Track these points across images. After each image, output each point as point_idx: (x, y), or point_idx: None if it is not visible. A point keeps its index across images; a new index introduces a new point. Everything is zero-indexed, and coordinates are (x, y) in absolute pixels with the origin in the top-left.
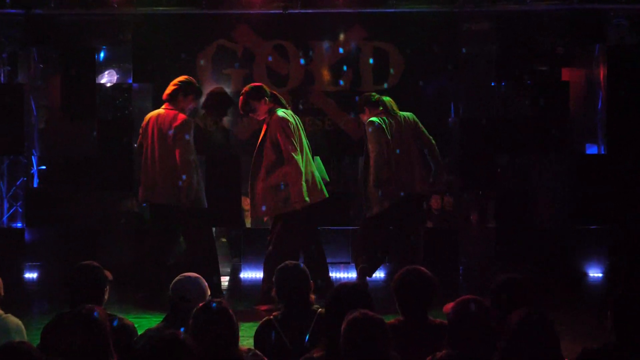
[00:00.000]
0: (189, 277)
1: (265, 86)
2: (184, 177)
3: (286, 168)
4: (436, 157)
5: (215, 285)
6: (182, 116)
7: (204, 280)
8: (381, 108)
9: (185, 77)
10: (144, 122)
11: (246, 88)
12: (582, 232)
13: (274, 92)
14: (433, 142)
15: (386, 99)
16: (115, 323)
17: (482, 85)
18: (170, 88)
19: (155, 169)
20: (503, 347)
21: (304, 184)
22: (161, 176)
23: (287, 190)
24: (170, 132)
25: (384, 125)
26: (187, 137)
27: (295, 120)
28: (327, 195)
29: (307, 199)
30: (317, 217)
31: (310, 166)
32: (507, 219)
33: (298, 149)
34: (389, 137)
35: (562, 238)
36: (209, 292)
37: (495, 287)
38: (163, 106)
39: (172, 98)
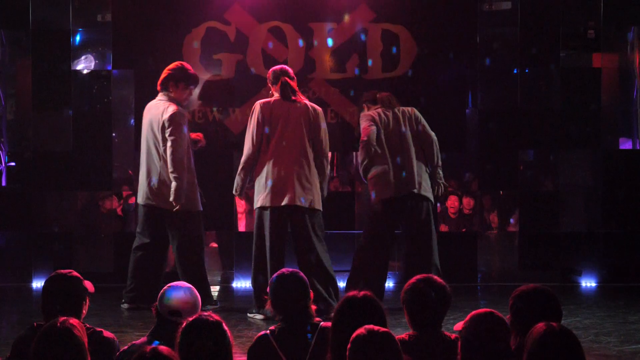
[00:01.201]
0: (180, 288)
1: (281, 71)
2: (172, 177)
3: None
4: (431, 156)
5: (208, 295)
6: (173, 108)
7: (196, 291)
8: (379, 104)
9: (177, 63)
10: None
11: None
12: (614, 236)
13: (284, 79)
14: (433, 138)
15: (384, 94)
16: (95, 336)
17: (503, 73)
18: (162, 75)
19: (142, 168)
20: None
21: (256, 182)
22: (147, 176)
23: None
24: (159, 126)
25: (377, 119)
26: (178, 132)
27: (268, 110)
28: (298, 204)
29: (257, 199)
30: (298, 222)
31: (280, 164)
32: (531, 222)
33: (254, 143)
34: (382, 133)
35: (592, 243)
36: (200, 305)
37: (516, 299)
38: (157, 96)
39: (163, 87)
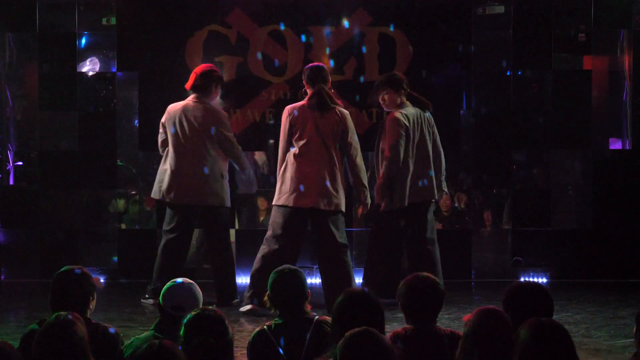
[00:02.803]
0: (183, 283)
1: (319, 73)
2: (225, 176)
3: None
4: (439, 166)
5: (235, 290)
6: (217, 110)
7: (198, 287)
8: (402, 94)
9: (212, 66)
10: (166, 116)
11: None
12: (603, 233)
13: (319, 87)
14: (441, 149)
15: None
16: (99, 331)
17: (496, 75)
18: (200, 79)
19: (187, 168)
20: None
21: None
22: (197, 176)
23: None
24: (210, 129)
25: (409, 125)
26: (231, 132)
27: (291, 113)
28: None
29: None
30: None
31: (305, 166)
32: (524, 220)
33: (282, 145)
34: (411, 138)
35: (582, 240)
36: (202, 300)
37: (508, 295)
38: (190, 98)
39: (205, 89)
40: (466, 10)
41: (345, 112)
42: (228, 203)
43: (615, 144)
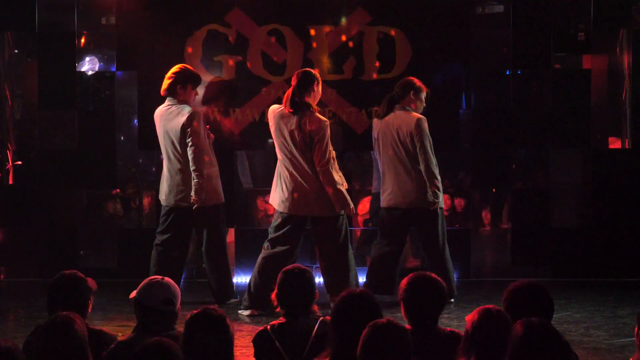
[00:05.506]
0: (162, 280)
1: (295, 76)
2: (195, 175)
3: None
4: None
5: (231, 288)
6: (188, 109)
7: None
8: (424, 98)
9: (180, 66)
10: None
11: None
12: (603, 232)
13: (289, 91)
14: (424, 161)
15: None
16: (96, 335)
17: (495, 74)
18: (166, 82)
19: (165, 170)
20: None
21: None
22: (169, 179)
23: None
24: (178, 130)
25: (376, 126)
26: (197, 132)
27: (270, 115)
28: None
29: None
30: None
31: (286, 172)
32: (523, 219)
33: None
34: (379, 141)
35: (582, 239)
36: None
37: (509, 294)
38: (165, 102)
39: (171, 92)
40: (466, 9)
41: (313, 118)
42: (216, 200)
43: (615, 143)
